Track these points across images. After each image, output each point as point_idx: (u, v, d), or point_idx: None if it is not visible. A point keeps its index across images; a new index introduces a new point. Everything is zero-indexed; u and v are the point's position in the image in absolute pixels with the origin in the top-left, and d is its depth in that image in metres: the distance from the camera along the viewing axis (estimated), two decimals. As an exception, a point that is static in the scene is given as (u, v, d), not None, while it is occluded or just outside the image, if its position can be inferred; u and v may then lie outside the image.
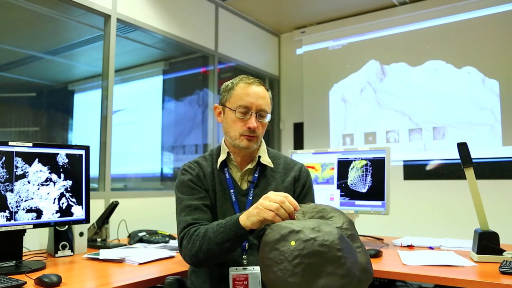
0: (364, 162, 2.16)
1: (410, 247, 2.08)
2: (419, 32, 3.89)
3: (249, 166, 1.51)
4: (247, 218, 1.23)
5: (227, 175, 1.50)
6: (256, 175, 1.51)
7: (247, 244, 1.43)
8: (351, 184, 2.19)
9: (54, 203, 1.75)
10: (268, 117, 1.49)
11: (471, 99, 3.62)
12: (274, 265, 1.09)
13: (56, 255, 1.88)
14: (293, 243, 1.08)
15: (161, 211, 2.87)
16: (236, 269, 1.31)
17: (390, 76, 4.01)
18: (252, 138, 1.46)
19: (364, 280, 1.14)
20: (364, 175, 2.16)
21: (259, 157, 1.52)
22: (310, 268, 1.06)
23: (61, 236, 1.92)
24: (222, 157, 1.52)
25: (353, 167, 2.19)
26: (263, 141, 1.59)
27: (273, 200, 1.19)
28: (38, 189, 1.70)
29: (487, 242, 1.66)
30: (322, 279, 1.06)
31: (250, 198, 1.47)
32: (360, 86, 4.15)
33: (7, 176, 1.61)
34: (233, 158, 1.52)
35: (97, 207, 2.55)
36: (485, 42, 3.59)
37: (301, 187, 1.54)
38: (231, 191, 1.48)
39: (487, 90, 3.55)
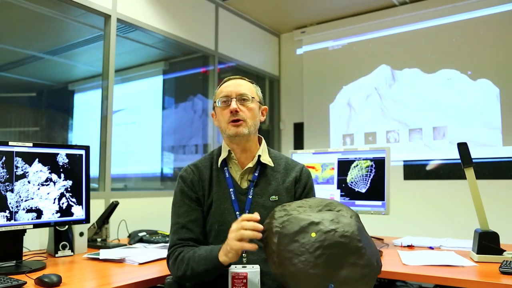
0: (369, 163, 2.16)
1: (410, 247, 2.08)
2: (420, 33, 3.88)
3: (249, 164, 1.51)
4: (225, 255, 1.26)
5: (226, 174, 1.50)
6: (256, 174, 1.51)
7: (248, 243, 1.43)
8: (351, 183, 2.19)
9: (54, 203, 1.75)
10: (252, 101, 1.48)
11: (482, 115, 3.51)
12: (294, 257, 1.10)
13: (56, 255, 1.88)
14: (313, 234, 1.09)
15: (161, 211, 2.86)
16: (236, 267, 1.30)
17: (401, 82, 3.94)
18: (238, 123, 1.45)
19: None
20: (367, 176, 2.15)
21: (259, 156, 1.52)
22: (332, 259, 1.07)
23: (61, 236, 1.91)
24: (223, 155, 1.52)
25: (357, 165, 2.19)
26: (263, 140, 1.59)
27: (235, 230, 1.23)
28: (38, 189, 1.70)
29: (487, 242, 1.66)
30: (344, 270, 1.07)
31: (250, 197, 1.46)
32: (367, 92, 4.09)
33: (7, 176, 1.61)
34: (234, 156, 1.52)
35: (97, 207, 2.55)
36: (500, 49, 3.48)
37: (302, 188, 1.54)
38: (231, 190, 1.47)
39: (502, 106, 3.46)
